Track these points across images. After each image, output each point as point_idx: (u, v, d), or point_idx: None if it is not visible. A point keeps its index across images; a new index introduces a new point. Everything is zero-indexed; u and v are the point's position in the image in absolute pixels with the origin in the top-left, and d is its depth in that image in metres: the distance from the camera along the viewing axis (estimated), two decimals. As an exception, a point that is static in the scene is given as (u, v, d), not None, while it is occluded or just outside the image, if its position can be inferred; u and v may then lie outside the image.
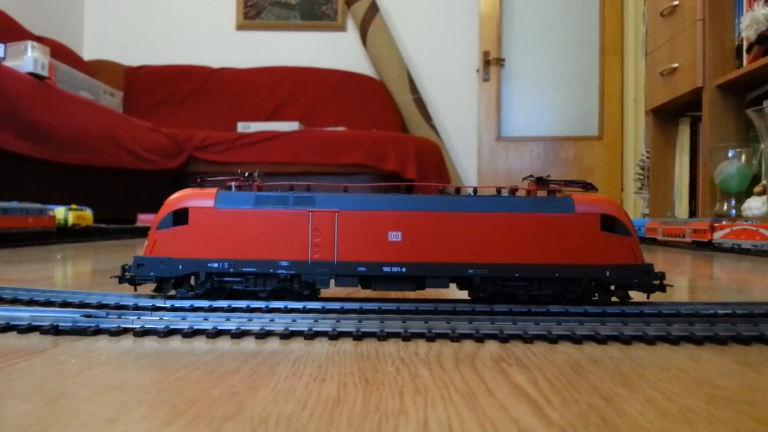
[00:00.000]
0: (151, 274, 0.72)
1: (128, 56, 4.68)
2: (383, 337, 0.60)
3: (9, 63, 2.65)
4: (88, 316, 0.63)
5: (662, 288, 0.73)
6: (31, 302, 0.76)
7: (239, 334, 0.60)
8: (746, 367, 0.52)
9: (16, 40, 2.93)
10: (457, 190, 0.75)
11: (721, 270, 1.60)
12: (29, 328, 0.61)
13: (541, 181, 0.75)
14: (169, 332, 0.60)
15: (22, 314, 0.62)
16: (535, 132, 4.51)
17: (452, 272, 0.71)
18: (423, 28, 4.66)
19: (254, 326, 0.61)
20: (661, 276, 0.73)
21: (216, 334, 0.60)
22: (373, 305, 0.71)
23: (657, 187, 3.23)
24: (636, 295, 0.74)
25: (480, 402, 0.41)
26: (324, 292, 0.80)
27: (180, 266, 0.71)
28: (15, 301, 0.77)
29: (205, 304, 0.70)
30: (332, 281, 0.72)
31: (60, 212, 2.44)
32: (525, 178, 0.78)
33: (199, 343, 0.58)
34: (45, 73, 2.76)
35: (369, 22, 4.53)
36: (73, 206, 2.52)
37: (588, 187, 0.75)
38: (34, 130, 2.55)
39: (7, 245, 1.99)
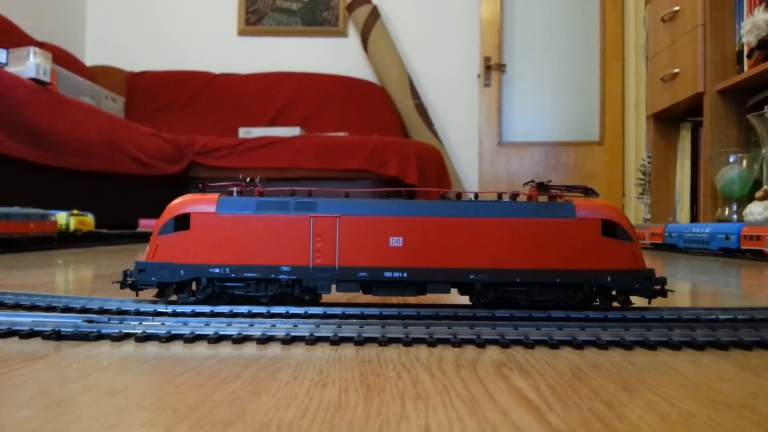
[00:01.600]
0: (153, 279, 0.72)
1: (130, 62, 4.69)
2: (384, 342, 0.60)
3: (11, 69, 2.66)
4: (90, 321, 0.63)
5: (663, 293, 0.73)
6: (32, 307, 0.76)
7: (240, 340, 0.60)
8: (748, 371, 0.52)
9: (19, 45, 2.94)
10: (458, 196, 0.75)
11: None
12: (31, 333, 0.61)
13: (542, 187, 0.75)
14: (171, 337, 0.60)
15: (24, 319, 0.63)
16: (536, 137, 4.51)
17: (453, 277, 0.71)
18: (424, 34, 4.67)
19: (256, 331, 0.61)
20: (663, 281, 0.73)
21: (217, 339, 0.60)
22: (375, 310, 0.71)
23: (658, 192, 3.23)
24: (637, 301, 0.74)
25: (481, 407, 0.41)
26: (325, 297, 0.80)
27: (181, 271, 0.71)
28: (17, 307, 0.77)
29: (206, 309, 0.70)
30: (333, 286, 0.72)
31: (61, 217, 2.44)
32: (526, 184, 0.78)
33: (201, 349, 0.58)
34: (47, 79, 2.77)
35: (370, 27, 4.54)
36: (75, 211, 2.52)
37: (589, 192, 0.75)
38: (36, 136, 2.56)
39: (9, 250, 1.99)
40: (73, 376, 0.47)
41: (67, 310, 0.74)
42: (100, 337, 0.60)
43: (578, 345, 0.60)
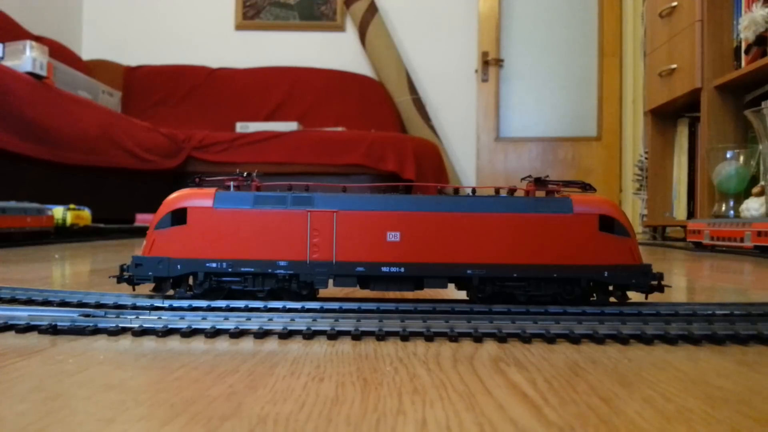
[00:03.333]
0: (150, 273, 0.71)
1: (127, 56, 4.67)
2: (382, 336, 0.60)
3: (7, 62, 2.65)
4: (87, 315, 0.63)
5: (660, 288, 0.73)
6: (29, 302, 0.76)
7: (238, 334, 0.60)
8: (744, 366, 0.52)
9: (15, 39, 2.93)
10: (456, 191, 0.75)
11: None
12: (27, 328, 0.61)
13: (539, 182, 0.75)
14: (168, 332, 0.60)
15: (21, 313, 0.62)
16: (534, 133, 4.51)
17: (450, 272, 0.71)
18: (422, 29, 4.66)
19: (253, 326, 0.61)
20: (660, 276, 0.73)
21: (214, 333, 0.60)
22: (372, 305, 0.71)
23: (655, 188, 3.24)
24: (634, 296, 0.74)
25: (478, 402, 0.41)
26: (322, 292, 0.80)
27: (178, 266, 0.71)
28: (13, 301, 0.77)
29: (203, 303, 0.70)
30: (330, 281, 0.72)
31: (58, 212, 2.43)
32: (523, 179, 0.78)
33: (198, 343, 0.58)
34: (43, 73, 2.76)
35: (368, 22, 4.53)
36: (72, 206, 2.52)
37: (586, 187, 0.75)
38: (33, 130, 2.55)
39: (6, 245, 1.99)
40: (69, 371, 0.47)
41: (63, 304, 0.74)
42: (96, 331, 0.60)
43: (575, 339, 0.60)
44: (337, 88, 4.55)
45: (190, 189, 0.74)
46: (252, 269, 0.71)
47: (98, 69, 4.42)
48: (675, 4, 2.87)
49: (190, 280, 0.74)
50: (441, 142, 4.40)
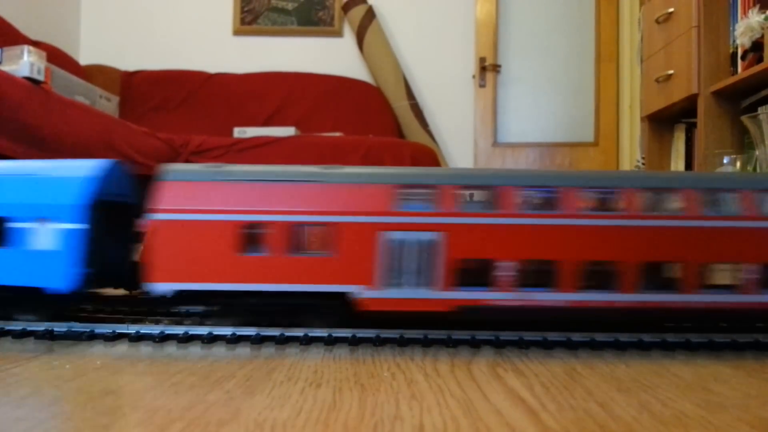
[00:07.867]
0: None
1: (124, 61, 4.67)
2: (379, 342, 0.60)
3: (5, 67, 2.64)
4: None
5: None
6: (25, 307, 0.75)
7: (234, 340, 0.60)
8: (741, 372, 0.52)
9: (13, 44, 2.92)
10: None
11: None
12: (24, 333, 0.61)
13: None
14: (165, 337, 0.60)
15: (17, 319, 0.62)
16: (532, 138, 4.52)
17: None
18: (419, 34, 4.67)
19: (250, 331, 0.61)
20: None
21: (211, 339, 0.60)
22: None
23: (652, 193, 3.24)
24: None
25: (475, 407, 0.41)
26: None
27: None
28: (10, 306, 0.76)
29: (200, 309, 0.70)
30: None
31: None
32: (521, 184, 0.78)
33: (195, 349, 0.58)
34: (41, 78, 2.75)
35: (365, 28, 4.54)
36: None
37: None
38: (30, 135, 2.54)
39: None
40: (66, 376, 0.47)
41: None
42: (93, 337, 0.60)
43: (572, 346, 0.60)
44: (334, 93, 4.56)
45: None
46: None
47: (96, 74, 4.41)
48: (671, 10, 2.88)
49: None
50: (439, 147, 4.41)
